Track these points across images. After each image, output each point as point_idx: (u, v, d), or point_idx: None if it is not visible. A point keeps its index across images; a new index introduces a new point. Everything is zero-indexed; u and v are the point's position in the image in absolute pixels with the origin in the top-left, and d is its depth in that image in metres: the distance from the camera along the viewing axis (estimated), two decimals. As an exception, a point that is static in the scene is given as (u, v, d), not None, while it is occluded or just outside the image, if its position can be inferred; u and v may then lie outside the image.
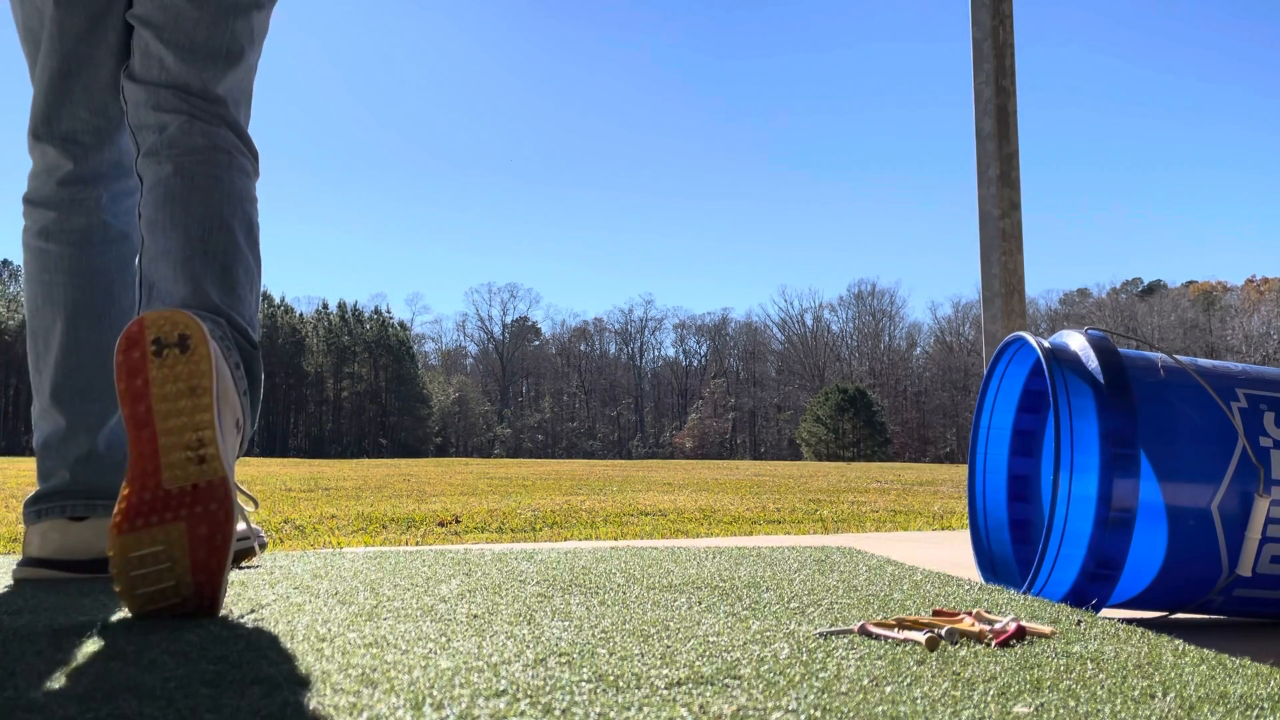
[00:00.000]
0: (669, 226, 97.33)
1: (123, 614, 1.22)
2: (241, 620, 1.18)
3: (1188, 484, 1.44)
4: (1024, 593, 1.50)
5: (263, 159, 1.66)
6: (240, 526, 1.82)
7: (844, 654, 1.02)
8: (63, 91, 1.68)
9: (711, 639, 1.09)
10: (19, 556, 1.95)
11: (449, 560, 1.88)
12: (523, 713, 0.78)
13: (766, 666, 0.95)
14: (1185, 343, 57.68)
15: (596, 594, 1.43)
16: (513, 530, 3.68)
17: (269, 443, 62.59)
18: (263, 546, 1.81)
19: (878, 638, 1.11)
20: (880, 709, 0.81)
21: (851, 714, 0.79)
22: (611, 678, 0.90)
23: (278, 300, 67.67)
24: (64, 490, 1.63)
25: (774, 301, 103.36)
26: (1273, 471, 1.43)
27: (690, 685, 0.88)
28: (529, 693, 0.84)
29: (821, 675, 0.92)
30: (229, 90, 1.57)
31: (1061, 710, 0.81)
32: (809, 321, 73.25)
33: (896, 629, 1.14)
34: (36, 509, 1.63)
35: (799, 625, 1.19)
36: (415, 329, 73.30)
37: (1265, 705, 0.84)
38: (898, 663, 0.98)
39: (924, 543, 2.72)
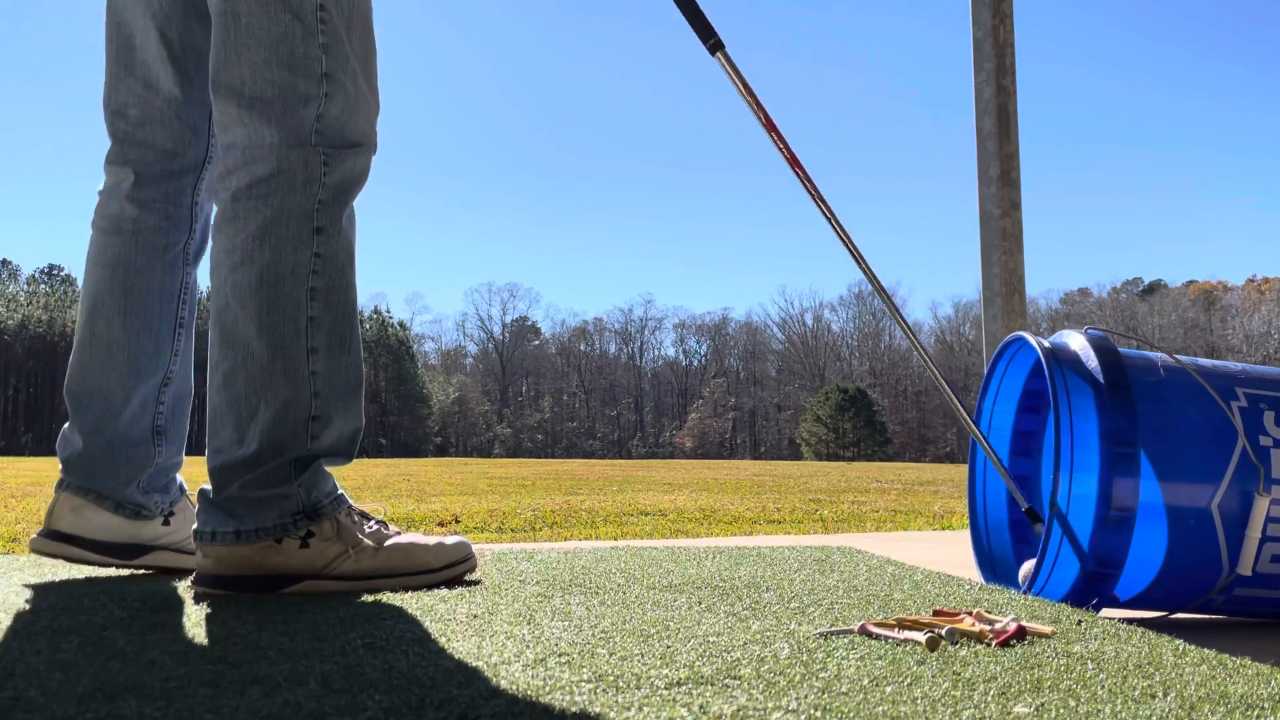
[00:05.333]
0: (669, 226, 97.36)
1: (123, 614, 1.22)
2: (241, 620, 1.18)
3: (1188, 483, 1.44)
4: (1024, 592, 1.50)
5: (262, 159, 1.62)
6: (454, 539, 1.73)
7: (844, 654, 1.02)
8: (115, 63, 1.66)
9: (711, 639, 1.09)
10: (19, 556, 1.95)
11: (449, 560, 1.88)
12: (522, 713, 0.78)
13: (766, 666, 0.95)
14: (1185, 342, 57.68)
15: (596, 594, 1.43)
16: (513, 530, 3.68)
17: (269, 442, 62.43)
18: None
19: (878, 638, 1.11)
20: (880, 709, 0.80)
21: (852, 714, 0.79)
22: (611, 678, 0.90)
23: (278, 300, 67.47)
24: (63, 479, 1.65)
25: (774, 301, 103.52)
26: (1273, 470, 1.43)
27: (690, 685, 0.88)
28: (529, 693, 0.84)
29: (822, 675, 0.92)
30: None
31: (1062, 710, 0.81)
32: (809, 321, 73.34)
33: (897, 629, 1.14)
34: (57, 483, 1.65)
35: (799, 625, 1.19)
36: (415, 329, 73.34)
37: (1265, 705, 0.84)
38: (898, 663, 0.98)
39: (924, 543, 2.72)
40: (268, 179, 1.44)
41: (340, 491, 1.54)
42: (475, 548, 1.74)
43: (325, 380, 1.48)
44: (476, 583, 1.55)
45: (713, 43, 1.74)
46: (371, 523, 1.54)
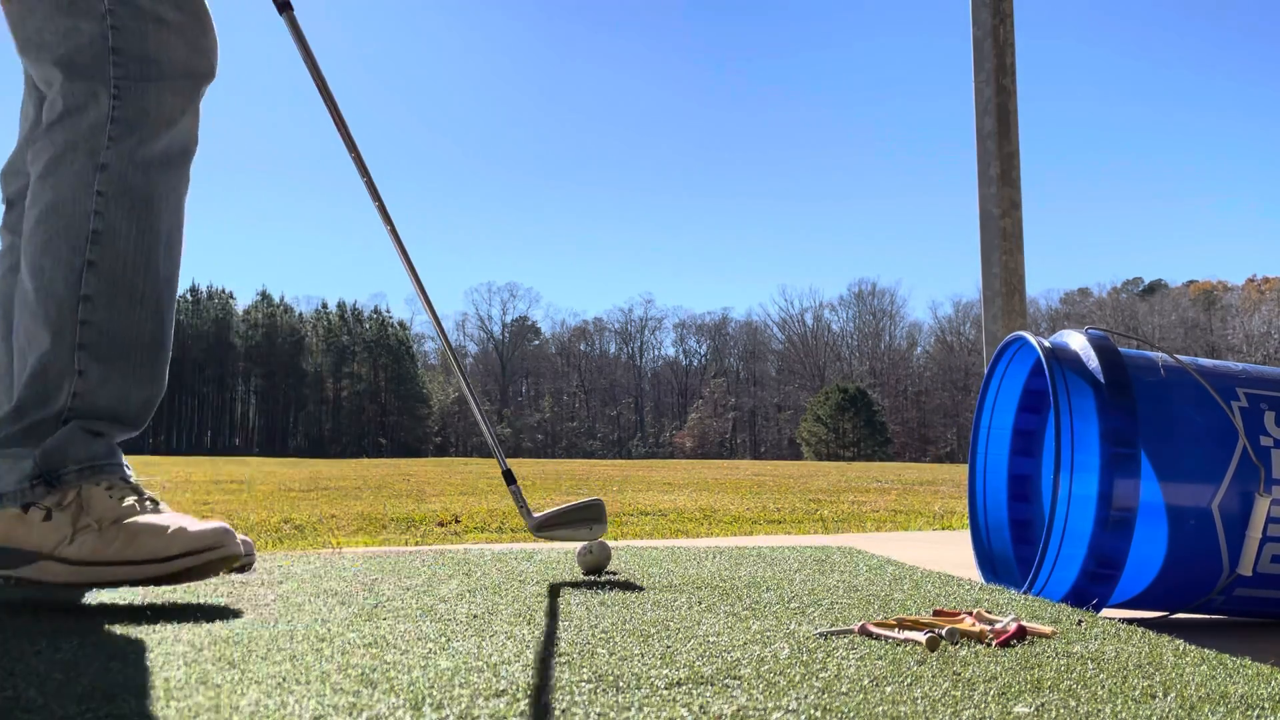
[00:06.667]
0: (669, 226, 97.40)
1: (123, 614, 1.22)
2: (241, 620, 1.18)
3: (1188, 483, 1.44)
4: (1024, 592, 1.50)
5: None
6: (207, 525, 1.66)
7: (844, 654, 1.02)
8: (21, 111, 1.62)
9: (711, 639, 1.09)
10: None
11: (449, 560, 1.88)
12: (523, 713, 0.78)
13: (766, 666, 0.95)
14: (1186, 342, 57.69)
15: (596, 594, 1.43)
16: (513, 530, 3.68)
17: (269, 443, 62.58)
18: (248, 566, 1.68)
19: (878, 638, 1.11)
20: (880, 709, 0.80)
21: (852, 714, 0.79)
22: (611, 678, 0.90)
23: (277, 300, 67.77)
24: None
25: (774, 301, 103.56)
26: (1273, 471, 1.42)
27: (690, 685, 0.88)
28: (529, 693, 0.84)
29: (822, 675, 0.92)
30: None
31: (1062, 710, 0.81)
32: (809, 321, 73.33)
33: (897, 629, 1.14)
34: None
35: (799, 625, 1.19)
36: (415, 328, 73.33)
37: (1265, 705, 0.84)
38: (898, 663, 0.98)
39: (924, 543, 2.72)
40: (58, 119, 1.38)
41: (105, 462, 1.34)
42: (476, 548, 1.74)
43: (99, 331, 1.33)
44: (244, 569, 1.39)
45: (280, 1, 1.70)
46: (140, 499, 1.33)
